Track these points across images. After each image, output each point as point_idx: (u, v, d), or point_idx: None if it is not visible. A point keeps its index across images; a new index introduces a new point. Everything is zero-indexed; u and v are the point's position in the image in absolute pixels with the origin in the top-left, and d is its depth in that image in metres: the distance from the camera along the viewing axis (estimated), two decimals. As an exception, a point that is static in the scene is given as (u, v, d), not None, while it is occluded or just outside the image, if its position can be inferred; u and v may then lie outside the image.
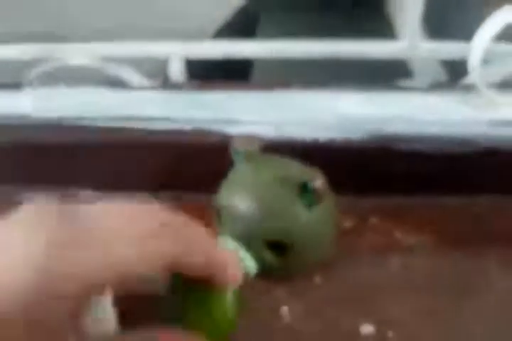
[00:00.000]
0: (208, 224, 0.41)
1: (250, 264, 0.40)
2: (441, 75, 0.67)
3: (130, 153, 0.52)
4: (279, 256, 0.40)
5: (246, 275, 0.40)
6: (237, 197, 0.41)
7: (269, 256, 0.40)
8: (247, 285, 0.35)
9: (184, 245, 0.29)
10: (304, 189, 0.39)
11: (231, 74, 0.59)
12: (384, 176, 0.51)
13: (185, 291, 0.33)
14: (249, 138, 0.43)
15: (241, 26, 0.82)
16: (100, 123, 0.52)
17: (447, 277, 0.46)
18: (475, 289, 0.45)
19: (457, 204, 0.51)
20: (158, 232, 0.28)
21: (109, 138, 0.51)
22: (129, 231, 0.27)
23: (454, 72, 0.62)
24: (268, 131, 0.51)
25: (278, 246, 0.40)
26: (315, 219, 0.41)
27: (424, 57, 0.64)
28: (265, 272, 0.40)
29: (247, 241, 0.39)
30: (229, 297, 0.34)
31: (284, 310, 0.44)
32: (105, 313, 0.37)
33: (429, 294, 0.44)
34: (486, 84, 0.52)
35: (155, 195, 0.53)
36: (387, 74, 0.59)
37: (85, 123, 0.53)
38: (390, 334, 0.41)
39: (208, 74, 0.59)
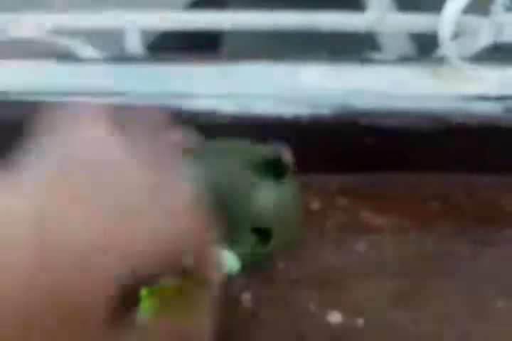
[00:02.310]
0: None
1: (232, 263, 0.37)
2: (410, 49, 0.64)
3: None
4: (261, 242, 0.38)
5: (229, 274, 0.38)
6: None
7: (252, 245, 0.38)
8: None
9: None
10: (271, 166, 0.36)
11: (201, 48, 0.56)
12: (352, 154, 0.49)
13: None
14: (188, 134, 0.39)
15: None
16: (48, 98, 0.48)
17: (415, 258, 0.44)
18: (443, 271, 0.43)
19: (426, 183, 0.49)
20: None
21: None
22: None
23: (424, 46, 0.60)
24: (230, 106, 0.48)
25: (257, 233, 0.38)
26: (286, 198, 0.38)
27: (392, 30, 0.62)
28: (250, 264, 0.38)
29: (226, 237, 0.37)
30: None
31: (247, 297, 0.41)
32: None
33: (398, 277, 0.43)
34: (457, 57, 0.50)
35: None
36: (354, 47, 0.57)
37: (32, 98, 0.49)
38: (359, 321, 0.39)
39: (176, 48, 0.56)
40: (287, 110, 0.47)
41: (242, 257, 0.38)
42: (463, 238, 0.45)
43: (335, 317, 0.40)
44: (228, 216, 0.36)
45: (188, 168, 0.37)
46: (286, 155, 0.35)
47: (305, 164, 0.39)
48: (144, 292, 0.35)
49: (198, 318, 0.30)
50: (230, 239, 0.37)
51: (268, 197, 0.37)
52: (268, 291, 0.41)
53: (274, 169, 0.36)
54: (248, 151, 0.38)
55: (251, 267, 0.39)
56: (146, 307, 0.33)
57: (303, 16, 0.58)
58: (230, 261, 0.37)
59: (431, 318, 0.40)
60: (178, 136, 0.31)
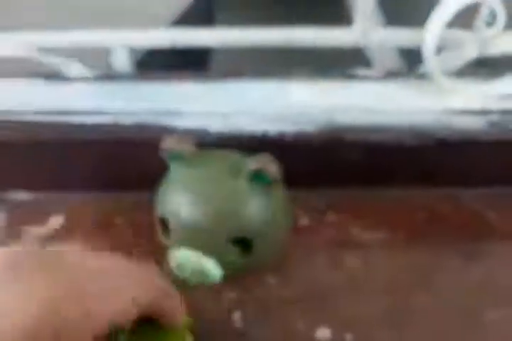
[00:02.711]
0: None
1: (215, 271, 0.37)
2: (399, 64, 0.65)
3: (64, 150, 0.48)
4: (243, 253, 0.38)
5: (212, 282, 0.38)
6: (185, 201, 0.38)
7: (235, 255, 0.38)
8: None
9: (156, 295, 0.31)
10: (257, 176, 0.36)
11: (189, 65, 0.56)
12: (339, 169, 0.49)
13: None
14: (182, 138, 0.39)
15: (200, 14, 0.79)
16: (30, 118, 0.48)
17: (405, 273, 0.44)
18: (433, 285, 0.43)
19: (412, 197, 0.50)
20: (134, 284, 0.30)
21: (40, 134, 0.47)
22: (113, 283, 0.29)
23: (412, 61, 0.60)
24: (215, 122, 0.48)
25: (240, 243, 0.38)
26: (272, 209, 0.38)
27: (377, 44, 0.62)
28: (231, 272, 0.38)
29: (209, 246, 0.37)
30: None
31: (236, 314, 0.41)
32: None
33: (387, 292, 0.43)
34: (441, 71, 0.50)
35: (94, 194, 0.50)
36: (344, 63, 0.57)
37: (14, 118, 0.49)
38: (348, 337, 0.40)
39: (164, 65, 0.56)
40: (273, 127, 0.48)
41: (223, 266, 0.38)
42: (451, 250, 0.45)
43: (324, 333, 0.40)
44: (212, 224, 0.37)
45: (177, 176, 0.38)
46: (273, 167, 0.36)
47: (291, 180, 0.39)
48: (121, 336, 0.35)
49: None
50: (213, 248, 0.37)
51: (253, 208, 0.37)
52: (258, 310, 0.41)
53: (261, 180, 0.36)
54: (236, 161, 0.39)
55: (232, 276, 0.39)
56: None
57: (288, 32, 0.58)
58: (212, 269, 0.37)
59: (420, 334, 0.40)
60: None
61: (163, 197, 0.39)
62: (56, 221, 0.48)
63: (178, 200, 0.38)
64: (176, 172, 0.39)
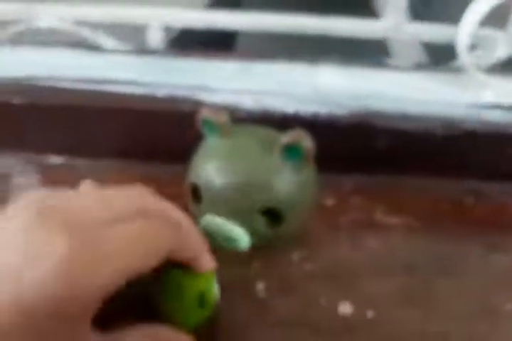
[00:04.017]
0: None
1: (243, 239, 0.38)
2: (422, 56, 0.65)
3: (99, 117, 0.49)
4: (272, 224, 0.38)
5: (240, 250, 0.38)
6: (218, 171, 0.38)
7: (263, 226, 0.38)
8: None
9: (179, 241, 0.31)
10: (292, 151, 0.37)
11: (220, 45, 0.57)
12: (367, 154, 0.49)
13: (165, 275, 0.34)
14: (219, 110, 0.40)
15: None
16: (68, 85, 0.49)
17: (426, 258, 0.44)
18: (454, 271, 0.44)
19: (437, 186, 0.50)
20: (157, 228, 0.30)
21: (77, 101, 0.48)
22: (131, 231, 0.29)
23: (434, 53, 0.61)
24: (247, 100, 0.49)
25: (269, 214, 0.38)
26: (302, 183, 0.39)
27: (408, 38, 0.63)
28: (258, 243, 0.39)
29: (239, 215, 0.37)
30: (204, 282, 0.35)
31: (260, 285, 0.42)
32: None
33: (407, 275, 0.43)
34: (474, 68, 0.51)
35: (124, 163, 0.50)
36: (365, 52, 0.58)
37: (53, 83, 0.49)
38: (369, 314, 0.40)
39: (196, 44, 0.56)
40: (305, 108, 0.48)
41: (251, 235, 0.38)
42: (473, 241, 0.46)
43: (346, 309, 0.40)
44: (243, 194, 0.37)
45: (212, 146, 0.39)
46: (308, 143, 0.36)
47: (320, 161, 0.40)
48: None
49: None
50: (242, 217, 0.37)
51: (284, 181, 0.37)
52: (281, 282, 0.42)
53: (295, 154, 0.37)
54: (270, 135, 0.39)
55: (258, 246, 0.39)
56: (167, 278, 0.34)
57: (320, 21, 0.59)
58: (240, 236, 0.38)
59: (438, 316, 0.40)
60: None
61: (196, 165, 0.40)
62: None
63: (211, 169, 0.38)
64: (211, 143, 0.40)
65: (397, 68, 0.54)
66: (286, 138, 0.37)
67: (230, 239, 0.39)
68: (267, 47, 0.59)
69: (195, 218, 0.40)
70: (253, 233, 0.38)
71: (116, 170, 0.50)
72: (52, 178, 0.50)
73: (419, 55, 0.67)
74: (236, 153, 0.38)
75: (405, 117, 0.49)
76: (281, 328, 0.39)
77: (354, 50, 0.57)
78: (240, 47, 0.64)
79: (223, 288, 0.38)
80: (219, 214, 0.38)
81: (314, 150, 0.37)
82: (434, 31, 0.59)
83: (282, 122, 0.48)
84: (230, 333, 0.38)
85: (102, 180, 0.33)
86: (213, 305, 0.36)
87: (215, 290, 0.36)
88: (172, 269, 0.34)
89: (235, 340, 0.38)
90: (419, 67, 0.55)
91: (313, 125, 0.48)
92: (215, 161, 0.39)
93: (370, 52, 0.58)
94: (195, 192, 0.40)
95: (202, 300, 0.35)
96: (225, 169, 0.38)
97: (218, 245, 0.40)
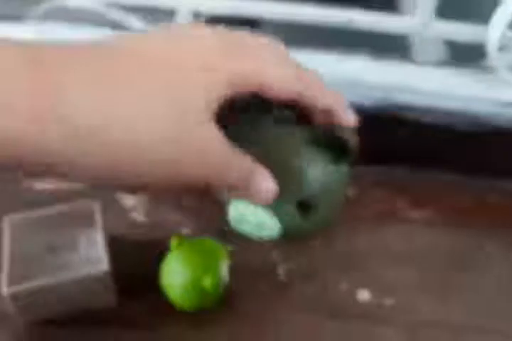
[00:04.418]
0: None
1: (275, 230, 0.38)
2: (443, 52, 0.65)
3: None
4: (304, 215, 0.38)
5: (268, 237, 0.38)
6: (252, 156, 0.38)
7: (296, 217, 0.38)
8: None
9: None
10: (335, 144, 0.36)
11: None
12: (390, 146, 0.49)
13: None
14: None
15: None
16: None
17: (446, 252, 0.44)
18: (472, 265, 0.44)
19: (462, 182, 0.50)
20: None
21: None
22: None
23: (456, 50, 0.61)
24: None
25: (302, 206, 0.38)
26: (338, 177, 0.38)
27: (436, 36, 0.63)
28: (289, 233, 0.38)
29: (273, 204, 0.37)
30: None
31: (281, 268, 0.42)
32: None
33: (427, 267, 0.43)
34: (503, 67, 0.51)
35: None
36: (389, 45, 0.58)
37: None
38: (387, 301, 0.40)
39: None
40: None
41: (283, 226, 0.38)
42: (494, 238, 0.46)
43: (364, 296, 0.40)
44: (278, 184, 0.37)
45: (249, 133, 0.38)
46: (353, 140, 0.36)
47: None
48: (174, 241, 0.36)
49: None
50: (275, 207, 0.37)
51: (321, 174, 0.37)
52: (302, 267, 0.42)
53: (337, 148, 0.36)
54: (313, 127, 0.39)
55: (289, 238, 0.39)
56: (171, 256, 0.35)
57: (349, 14, 0.59)
58: (272, 226, 0.38)
59: (456, 307, 0.40)
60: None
61: None
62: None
63: (249, 152, 0.38)
64: (249, 130, 0.39)
65: (423, 63, 0.54)
66: (329, 132, 0.36)
67: (261, 228, 0.38)
68: (295, 36, 0.59)
69: (225, 204, 0.40)
70: (285, 223, 0.38)
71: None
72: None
73: (442, 53, 0.67)
74: (273, 143, 0.38)
75: (431, 111, 0.49)
76: (300, 312, 0.39)
77: (380, 44, 0.58)
78: (267, 36, 0.64)
79: (245, 272, 0.38)
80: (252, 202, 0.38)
81: (358, 148, 0.37)
82: (461, 30, 0.59)
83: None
84: (248, 312, 0.38)
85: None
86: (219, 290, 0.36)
87: (221, 275, 0.36)
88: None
89: (252, 319, 0.38)
90: (444, 63, 0.55)
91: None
92: (249, 147, 0.38)
93: (395, 47, 0.58)
94: None
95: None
96: (260, 156, 0.37)
97: (249, 233, 0.40)
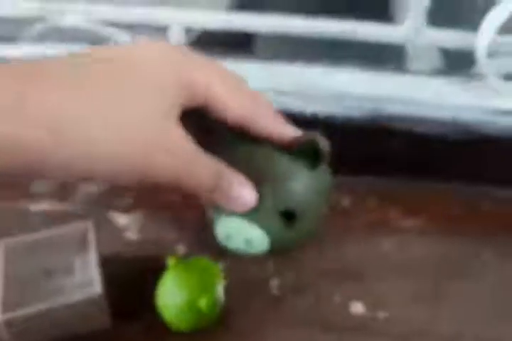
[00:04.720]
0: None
1: (263, 242, 0.38)
2: (438, 62, 0.66)
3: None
4: (288, 226, 0.39)
5: (257, 254, 0.39)
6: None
7: (282, 227, 0.38)
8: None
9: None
10: (308, 152, 0.37)
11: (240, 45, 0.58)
12: (382, 157, 0.50)
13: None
14: None
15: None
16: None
17: (439, 260, 0.45)
18: (466, 274, 0.44)
19: (454, 190, 0.50)
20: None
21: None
22: None
23: (451, 59, 0.61)
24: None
25: (285, 216, 0.38)
26: (320, 183, 0.39)
27: (428, 44, 0.63)
28: (277, 245, 0.39)
29: (259, 217, 0.38)
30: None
31: (274, 282, 0.42)
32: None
33: (421, 276, 0.43)
34: (493, 74, 0.51)
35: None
36: (382, 56, 0.58)
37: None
38: (381, 314, 0.40)
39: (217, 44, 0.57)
40: (322, 109, 0.49)
41: (271, 239, 0.38)
42: (487, 246, 0.46)
43: (357, 308, 0.40)
44: (263, 196, 0.37)
45: (224, 147, 0.39)
46: (324, 143, 0.36)
47: (336, 164, 0.40)
48: (171, 261, 0.36)
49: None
50: (258, 219, 0.38)
51: (300, 182, 0.37)
52: (295, 279, 0.42)
53: (310, 155, 0.37)
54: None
55: (278, 251, 0.40)
56: (166, 276, 0.35)
57: (341, 25, 0.59)
58: (259, 239, 0.38)
59: (450, 318, 0.40)
60: None
61: None
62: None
63: None
64: (225, 146, 0.39)
65: (414, 72, 0.54)
66: (302, 138, 0.37)
67: (249, 242, 0.39)
68: (286, 49, 0.60)
69: (212, 221, 0.40)
70: (272, 235, 0.38)
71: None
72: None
73: (436, 61, 0.67)
74: (252, 156, 0.38)
75: (422, 121, 0.49)
76: (294, 325, 0.39)
77: (371, 54, 0.58)
78: (258, 49, 0.64)
79: (238, 288, 0.38)
80: (235, 216, 0.38)
81: (329, 150, 0.37)
82: (453, 37, 0.59)
83: (300, 123, 0.48)
84: (243, 329, 0.39)
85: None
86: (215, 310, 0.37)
87: (217, 295, 0.37)
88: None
89: (248, 336, 0.38)
90: (436, 72, 0.55)
91: (331, 126, 0.49)
92: (233, 164, 0.39)
93: (386, 57, 0.59)
94: None
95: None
96: (243, 172, 0.38)
97: (236, 249, 0.40)
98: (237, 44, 0.58)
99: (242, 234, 0.39)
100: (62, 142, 0.25)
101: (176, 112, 0.29)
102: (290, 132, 0.36)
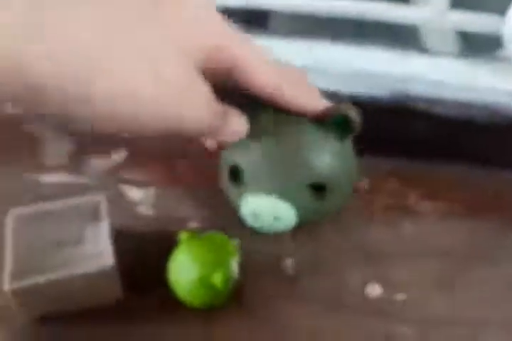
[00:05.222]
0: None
1: (290, 216, 0.37)
2: (456, 45, 0.64)
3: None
4: (318, 198, 0.37)
5: (285, 229, 0.37)
6: (263, 149, 0.36)
7: (310, 200, 0.37)
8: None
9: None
10: (338, 122, 0.36)
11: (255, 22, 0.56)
12: (405, 138, 0.48)
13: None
14: None
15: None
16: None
17: (461, 246, 0.43)
18: (488, 260, 0.42)
19: (477, 175, 0.49)
20: None
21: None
22: None
23: (469, 41, 0.59)
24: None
25: (315, 189, 0.37)
26: (347, 156, 0.38)
27: (451, 27, 0.61)
28: (304, 219, 0.38)
29: (286, 191, 0.36)
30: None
31: (289, 261, 0.41)
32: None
33: (439, 260, 0.42)
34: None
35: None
36: (400, 36, 0.56)
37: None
38: (399, 297, 0.39)
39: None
40: (345, 88, 0.47)
41: (298, 211, 0.37)
42: (510, 231, 0.44)
43: (375, 290, 0.39)
44: (287, 170, 0.36)
45: (253, 121, 0.37)
46: (355, 115, 0.35)
47: (356, 144, 0.39)
48: (183, 236, 0.35)
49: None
50: (288, 193, 0.36)
51: (329, 154, 0.36)
52: (310, 260, 0.41)
53: (341, 126, 0.36)
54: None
55: (305, 223, 0.39)
56: (179, 251, 0.34)
57: (362, 4, 0.58)
58: (287, 213, 0.37)
59: (469, 303, 0.39)
60: None
61: (235, 145, 0.37)
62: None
63: (254, 148, 0.36)
64: (253, 121, 0.36)
65: (438, 54, 0.53)
66: (330, 110, 0.36)
67: (276, 218, 0.38)
68: (299, 29, 0.58)
69: (235, 200, 0.39)
70: (300, 209, 0.37)
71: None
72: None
73: (454, 44, 0.66)
74: (280, 128, 0.37)
75: (446, 102, 0.48)
76: (307, 305, 0.38)
77: (393, 35, 0.56)
78: (274, 26, 0.63)
79: (253, 266, 0.37)
80: (263, 192, 0.37)
81: (360, 121, 0.36)
82: (478, 21, 0.57)
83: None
84: (258, 311, 0.38)
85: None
86: (229, 286, 0.36)
87: (232, 272, 0.36)
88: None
89: (260, 315, 0.37)
90: (461, 54, 0.53)
91: (354, 103, 0.47)
92: (258, 138, 0.37)
93: (408, 38, 0.57)
94: (234, 174, 0.39)
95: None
96: (270, 147, 0.36)
97: (261, 227, 0.39)
98: (256, 21, 0.57)
99: (271, 211, 0.37)
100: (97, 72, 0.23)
101: (199, 67, 0.28)
102: (322, 105, 0.34)
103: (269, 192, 0.36)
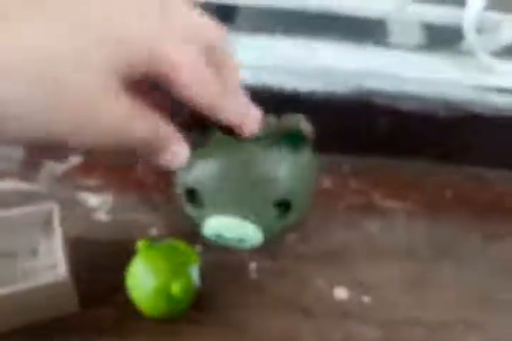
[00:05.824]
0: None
1: (256, 236, 0.36)
2: (420, 37, 0.64)
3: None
4: (284, 215, 0.36)
5: (250, 247, 0.36)
6: (221, 170, 0.34)
7: (275, 218, 0.36)
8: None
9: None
10: (291, 136, 0.34)
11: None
12: (366, 135, 0.48)
13: None
14: None
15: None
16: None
17: (423, 244, 0.43)
18: (453, 258, 0.42)
19: (440, 171, 0.48)
20: None
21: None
22: None
23: (431, 34, 0.59)
24: (244, 76, 0.46)
25: (278, 206, 0.36)
26: (305, 168, 0.36)
27: (413, 19, 0.61)
28: (269, 237, 0.36)
29: (251, 211, 0.35)
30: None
31: (252, 267, 0.40)
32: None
33: (405, 259, 0.42)
34: (481, 50, 0.49)
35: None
36: (363, 31, 0.56)
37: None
38: (366, 299, 0.38)
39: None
40: (303, 85, 0.46)
41: (264, 230, 0.36)
42: (473, 228, 0.44)
43: (341, 293, 0.38)
44: (249, 189, 0.34)
45: (205, 142, 0.35)
46: (305, 125, 0.34)
47: (317, 143, 0.38)
48: (141, 245, 0.34)
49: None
50: (253, 213, 0.35)
51: (288, 168, 0.35)
52: (274, 263, 0.40)
53: (293, 139, 0.35)
54: (267, 122, 0.36)
55: (270, 240, 0.37)
56: (136, 260, 0.33)
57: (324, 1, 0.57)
58: (253, 234, 0.36)
59: (435, 303, 0.39)
60: None
61: (190, 167, 0.35)
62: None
63: (212, 169, 0.34)
64: (207, 144, 0.34)
65: (398, 47, 0.52)
66: (282, 123, 0.34)
67: (241, 240, 0.36)
68: (267, 22, 0.57)
69: (195, 221, 0.37)
70: (267, 228, 0.36)
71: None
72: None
73: (418, 37, 0.65)
74: (235, 148, 0.35)
75: (407, 97, 0.47)
76: (274, 312, 0.37)
77: (354, 29, 0.56)
78: (238, 22, 0.62)
79: (216, 272, 0.36)
80: (226, 214, 0.35)
81: (312, 132, 0.35)
82: (440, 13, 0.57)
83: (280, 99, 0.46)
84: (223, 318, 0.37)
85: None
86: (190, 295, 0.35)
87: (192, 280, 0.34)
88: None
89: (228, 326, 0.36)
90: (422, 47, 0.53)
91: (311, 103, 0.46)
92: (215, 160, 0.35)
93: (369, 32, 0.56)
94: (192, 196, 0.37)
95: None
96: (226, 167, 0.35)
97: (228, 245, 0.38)
98: (222, 17, 0.55)
99: (234, 232, 0.36)
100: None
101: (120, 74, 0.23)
102: (257, 117, 0.30)
103: (233, 213, 0.35)
